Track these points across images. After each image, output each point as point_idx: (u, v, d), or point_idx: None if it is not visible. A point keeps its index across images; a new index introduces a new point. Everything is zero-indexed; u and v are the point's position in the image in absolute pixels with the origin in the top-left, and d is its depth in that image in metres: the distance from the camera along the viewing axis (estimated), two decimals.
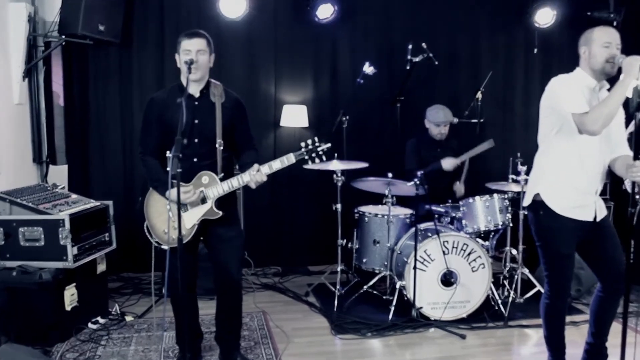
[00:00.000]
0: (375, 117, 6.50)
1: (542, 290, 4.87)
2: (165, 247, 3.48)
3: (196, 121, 3.50)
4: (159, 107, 3.56)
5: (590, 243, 3.46)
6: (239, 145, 3.68)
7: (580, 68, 3.41)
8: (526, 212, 3.66)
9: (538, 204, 3.43)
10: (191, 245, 3.59)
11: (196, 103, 3.54)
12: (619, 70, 3.26)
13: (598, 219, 3.43)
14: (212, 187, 3.49)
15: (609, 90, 3.37)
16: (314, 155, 3.49)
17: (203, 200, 3.50)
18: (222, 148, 3.53)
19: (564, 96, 3.25)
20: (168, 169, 3.14)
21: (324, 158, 3.50)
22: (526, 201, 3.54)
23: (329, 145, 3.51)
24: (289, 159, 3.48)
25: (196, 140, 3.49)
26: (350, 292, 5.25)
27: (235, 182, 3.49)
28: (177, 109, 3.34)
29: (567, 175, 3.37)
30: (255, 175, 3.45)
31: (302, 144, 3.50)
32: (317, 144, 3.50)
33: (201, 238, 3.67)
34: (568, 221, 3.37)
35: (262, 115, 6.31)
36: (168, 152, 3.28)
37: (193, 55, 3.43)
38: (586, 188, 3.39)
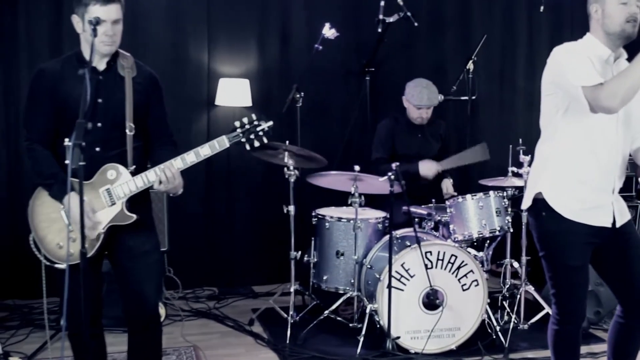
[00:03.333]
0: (338, 93, 6.51)
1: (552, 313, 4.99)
2: (60, 265, 3.41)
3: (100, 100, 3.44)
4: (51, 80, 3.47)
5: (608, 254, 3.49)
6: (152, 135, 3.65)
7: (591, 34, 3.42)
8: (526, 214, 3.68)
9: (540, 203, 3.45)
10: (95, 263, 3.50)
11: (100, 77, 3.48)
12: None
13: (618, 225, 3.46)
14: (122, 183, 3.43)
15: (628, 60, 3.41)
16: (252, 136, 3.48)
17: (111, 202, 3.44)
18: (133, 134, 3.48)
19: (571, 67, 3.26)
20: (67, 161, 3.07)
21: (265, 140, 3.49)
22: (525, 203, 3.55)
23: (270, 123, 3.50)
24: (222, 142, 3.44)
25: (100, 124, 3.41)
26: (307, 319, 5.23)
27: (152, 176, 3.44)
28: (76, 83, 3.27)
29: (576, 168, 3.39)
30: (164, 170, 3.39)
31: (237, 124, 3.48)
32: (255, 123, 3.48)
33: (105, 252, 3.62)
34: (579, 225, 3.39)
35: (192, 92, 6.26)
36: (67, 139, 3.22)
37: (109, 27, 3.36)
38: (601, 185, 3.40)
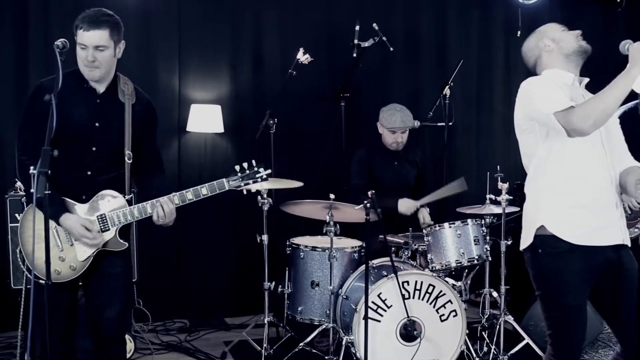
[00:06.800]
0: (312, 119, 6.52)
1: (531, 343, 4.99)
2: (43, 281, 3.43)
3: (97, 124, 3.57)
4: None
5: (606, 291, 3.45)
6: (144, 162, 3.78)
7: (547, 68, 3.53)
8: (510, 246, 3.66)
9: (538, 240, 3.42)
10: (73, 285, 3.62)
11: (98, 101, 3.60)
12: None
13: (624, 242, 3.41)
14: (118, 211, 3.57)
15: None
16: (250, 181, 3.68)
17: (104, 228, 3.56)
18: (131, 161, 3.63)
19: (540, 96, 3.33)
20: (32, 190, 3.09)
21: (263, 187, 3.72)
22: (525, 241, 3.50)
23: (269, 171, 3.71)
24: (221, 185, 3.64)
25: (94, 149, 3.56)
26: (281, 352, 5.20)
27: (149, 208, 3.59)
28: (75, 103, 3.45)
29: (572, 192, 3.37)
30: (163, 205, 3.58)
31: (237, 168, 3.66)
32: (255, 169, 3.68)
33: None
34: (576, 263, 3.35)
35: (163, 118, 6.09)
36: (32, 167, 3.27)
37: (89, 52, 3.46)
38: (601, 201, 3.39)
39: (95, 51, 3.46)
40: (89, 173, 3.56)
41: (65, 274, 3.52)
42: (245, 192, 3.72)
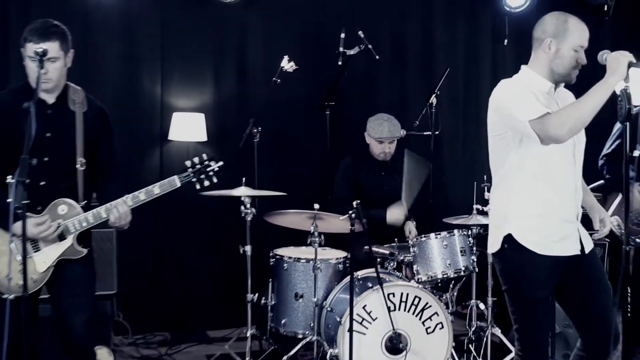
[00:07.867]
0: (296, 128, 6.51)
1: None
2: (7, 296, 3.42)
3: (48, 134, 3.60)
4: (2, 112, 3.60)
5: (571, 286, 3.53)
6: (100, 170, 3.84)
7: (530, 67, 3.56)
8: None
9: (505, 239, 3.48)
10: (33, 298, 3.61)
11: (49, 112, 3.63)
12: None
13: (586, 251, 3.50)
14: (73, 218, 3.59)
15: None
16: (202, 176, 3.70)
17: (61, 236, 3.59)
18: (84, 169, 3.65)
19: (515, 104, 3.38)
20: (9, 200, 3.06)
21: (215, 179, 3.72)
22: (493, 247, 3.57)
23: (220, 163, 3.72)
24: (172, 182, 3.66)
25: (46, 159, 3.58)
26: None
27: (104, 212, 3.60)
28: (26, 117, 3.36)
29: (539, 203, 3.45)
30: (117, 207, 3.58)
31: (188, 163, 3.70)
32: (206, 163, 3.70)
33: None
34: (543, 258, 3.43)
35: (145, 126, 6.23)
36: (9, 176, 3.29)
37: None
38: (566, 214, 3.48)
39: (47, 62, 3.49)
40: (43, 183, 3.58)
41: (27, 287, 3.49)
42: (198, 187, 3.71)
